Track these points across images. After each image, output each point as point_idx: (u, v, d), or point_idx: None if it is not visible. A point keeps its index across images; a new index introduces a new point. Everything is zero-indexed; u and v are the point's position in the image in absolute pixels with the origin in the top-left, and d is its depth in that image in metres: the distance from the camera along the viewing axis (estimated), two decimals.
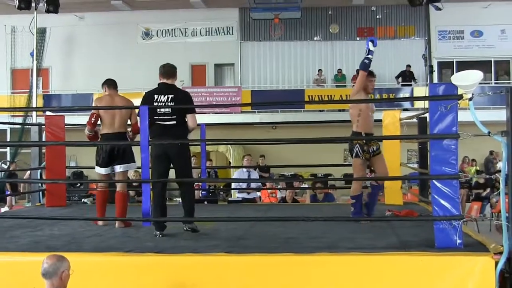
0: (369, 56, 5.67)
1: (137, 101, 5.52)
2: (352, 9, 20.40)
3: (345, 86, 19.82)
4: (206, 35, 20.72)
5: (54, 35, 19.87)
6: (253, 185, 9.32)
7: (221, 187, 12.94)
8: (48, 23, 18.38)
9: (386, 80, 19.33)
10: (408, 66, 19.16)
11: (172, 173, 5.44)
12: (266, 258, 4.22)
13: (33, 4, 14.84)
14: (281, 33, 20.53)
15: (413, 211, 6.26)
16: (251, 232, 5.25)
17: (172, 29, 20.76)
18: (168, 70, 5.38)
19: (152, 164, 5.23)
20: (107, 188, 6.23)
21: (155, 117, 5.17)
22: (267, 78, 20.72)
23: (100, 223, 5.86)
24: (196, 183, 8.70)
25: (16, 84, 20.83)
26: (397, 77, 19.29)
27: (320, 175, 16.74)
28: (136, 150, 5.41)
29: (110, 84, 6.03)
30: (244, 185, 9.24)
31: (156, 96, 5.23)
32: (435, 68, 17.54)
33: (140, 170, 5.20)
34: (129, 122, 5.99)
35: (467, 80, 4.19)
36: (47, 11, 15.15)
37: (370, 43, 5.67)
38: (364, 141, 5.79)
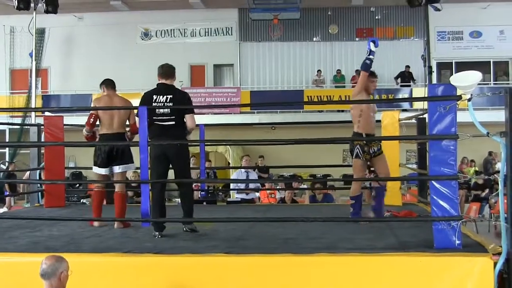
0: (370, 56, 5.63)
1: (136, 102, 5.52)
2: (351, 10, 20.41)
3: (344, 86, 19.84)
4: (205, 35, 20.72)
5: (53, 35, 19.85)
6: (251, 185, 9.31)
7: (220, 187, 12.93)
8: (47, 23, 18.37)
9: (385, 80, 19.33)
10: (407, 66, 19.17)
11: (171, 174, 5.44)
12: (265, 259, 4.22)
13: (32, 5, 14.82)
14: (280, 34, 20.54)
15: (412, 211, 6.27)
16: (250, 233, 5.25)
17: (171, 30, 20.76)
18: (167, 71, 5.37)
19: (151, 165, 5.23)
20: (104, 188, 6.22)
21: (154, 118, 5.16)
22: (266, 78, 20.73)
23: (96, 224, 5.83)
24: (195, 184, 8.72)
25: (15, 85, 20.83)
26: (396, 78, 19.30)
27: (319, 175, 16.74)
28: (135, 150, 5.42)
29: (108, 84, 6.02)
30: (242, 186, 9.24)
31: (155, 97, 5.23)
32: (434, 68, 17.58)
33: (139, 170, 5.20)
34: (127, 122, 5.99)
35: (466, 81, 4.19)
36: (46, 12, 15.13)
37: (371, 44, 5.63)
38: (365, 142, 5.76)
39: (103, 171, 5.91)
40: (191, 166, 5.92)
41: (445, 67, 20.16)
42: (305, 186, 11.44)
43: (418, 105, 16.47)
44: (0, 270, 4.30)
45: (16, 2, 14.56)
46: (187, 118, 5.27)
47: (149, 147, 5.10)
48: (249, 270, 4.14)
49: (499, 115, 4.28)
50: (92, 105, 6.06)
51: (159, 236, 5.06)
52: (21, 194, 15.27)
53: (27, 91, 19.13)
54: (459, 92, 4.23)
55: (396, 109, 11.12)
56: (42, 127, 7.65)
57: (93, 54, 20.23)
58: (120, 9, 20.09)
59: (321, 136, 6.25)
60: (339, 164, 15.42)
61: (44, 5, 14.92)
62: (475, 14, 19.47)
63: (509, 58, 20.13)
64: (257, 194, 10.10)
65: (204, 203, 9.38)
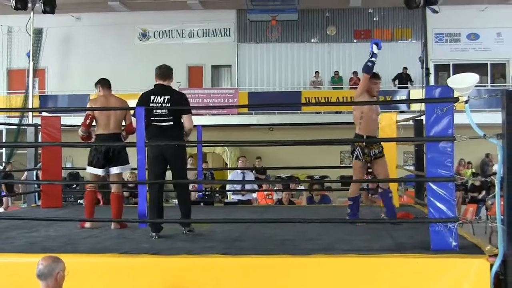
0: (373, 59, 5.54)
1: (134, 102, 5.51)
2: (349, 11, 20.43)
3: (342, 88, 19.88)
4: (203, 36, 20.73)
5: (51, 35, 19.82)
6: (247, 186, 9.31)
7: (217, 189, 12.92)
8: (44, 23, 18.35)
9: (383, 82, 19.18)
10: (405, 68, 19.20)
11: (168, 175, 5.44)
12: (262, 260, 4.22)
13: (29, 5, 14.81)
14: (278, 35, 20.56)
15: (409, 213, 6.27)
16: (247, 234, 5.25)
17: (169, 30, 20.76)
18: (165, 72, 5.38)
19: (148, 165, 5.23)
20: (96, 189, 6.20)
21: (151, 118, 5.16)
22: (264, 79, 20.74)
23: (87, 225, 5.77)
24: (192, 185, 8.71)
25: (12, 85, 20.80)
26: (393, 80, 19.32)
27: (316, 177, 16.76)
28: (132, 151, 5.41)
29: (104, 84, 5.99)
30: (238, 187, 9.22)
31: (152, 97, 5.23)
32: (432, 70, 17.60)
33: (136, 171, 5.19)
34: (123, 123, 5.97)
35: (463, 83, 4.21)
36: (44, 12, 15.10)
37: (374, 46, 5.54)
38: (365, 144, 5.73)
39: (98, 171, 5.89)
40: (188, 166, 5.92)
41: (443, 69, 20.22)
42: (302, 187, 11.44)
43: (415, 107, 16.50)
44: None
45: (14, 2, 14.55)
46: (185, 119, 5.27)
47: (146, 148, 5.09)
48: (246, 271, 4.14)
49: (496, 117, 4.30)
50: (88, 106, 6.03)
51: (156, 237, 5.06)
52: (18, 195, 15.24)
53: (24, 91, 19.08)
54: (456, 94, 4.24)
55: (394, 111, 11.12)
56: (39, 127, 7.64)
57: (91, 54, 20.22)
58: (118, 10, 20.07)
59: (319, 138, 6.22)
60: (337, 166, 15.45)
61: (42, 5, 14.90)
62: (473, 16, 19.52)
63: (506, 60, 20.19)
64: (254, 195, 10.10)
65: (201, 204, 9.38)
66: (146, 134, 5.04)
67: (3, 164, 16.50)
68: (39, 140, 7.74)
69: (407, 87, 19.08)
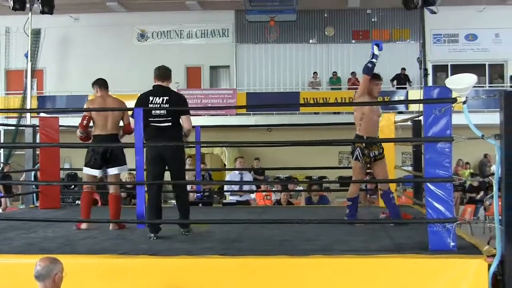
0: (373, 60, 5.47)
1: (132, 103, 5.51)
2: (348, 12, 20.45)
3: (340, 88, 19.89)
4: (201, 37, 20.74)
5: (49, 36, 19.81)
6: (245, 187, 9.31)
7: (216, 190, 12.91)
8: (42, 24, 18.33)
9: None
10: (403, 69, 19.23)
11: (167, 175, 5.44)
12: (260, 261, 4.22)
13: (27, 5, 14.79)
14: (277, 36, 20.57)
15: (407, 213, 6.27)
16: (246, 235, 5.25)
17: (167, 31, 20.76)
18: (163, 73, 5.38)
19: (147, 166, 5.23)
20: (94, 190, 6.18)
21: (150, 119, 5.16)
22: (262, 80, 20.75)
23: (83, 226, 5.73)
24: (191, 185, 8.71)
25: (10, 85, 20.78)
26: (392, 80, 19.35)
27: (315, 177, 16.77)
28: (130, 152, 5.40)
29: (102, 84, 5.98)
30: (236, 188, 9.22)
31: (151, 98, 5.23)
32: (430, 71, 17.65)
33: (134, 172, 5.19)
34: (121, 123, 5.96)
35: (461, 84, 4.21)
36: (42, 12, 15.07)
37: (375, 47, 5.47)
38: (365, 145, 5.70)
39: (96, 172, 5.88)
40: (187, 167, 5.92)
41: (441, 70, 20.25)
42: (301, 188, 11.44)
43: (413, 107, 16.48)
44: None
45: (12, 2, 14.52)
46: (183, 120, 5.27)
47: (144, 149, 5.09)
48: (244, 271, 4.14)
49: (494, 118, 4.30)
50: (85, 107, 6.01)
51: (155, 238, 5.06)
52: (16, 196, 15.22)
53: (22, 92, 19.07)
54: (454, 95, 4.25)
55: (392, 112, 11.13)
56: (37, 128, 7.63)
57: (89, 55, 20.20)
58: (116, 10, 20.06)
59: (317, 138, 6.21)
60: (335, 166, 15.45)
61: (40, 5, 14.87)
62: (471, 17, 19.55)
63: (504, 61, 20.22)
64: (252, 195, 10.09)
65: (200, 204, 9.37)
66: (145, 135, 5.04)
67: (1, 165, 16.48)
68: (37, 141, 7.73)
69: (405, 88, 19.10)
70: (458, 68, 17.88)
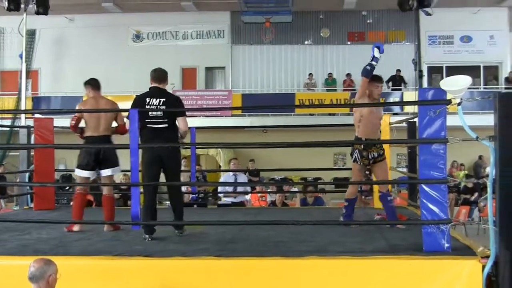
0: (373, 62, 5.42)
1: (127, 104, 5.50)
2: (343, 14, 20.48)
3: (335, 90, 19.90)
4: (197, 38, 20.72)
5: (44, 37, 19.75)
6: (239, 188, 9.30)
7: (211, 191, 12.89)
8: (37, 24, 18.27)
9: None
10: (398, 70, 19.26)
11: (162, 177, 5.43)
12: (255, 262, 4.22)
13: (22, 6, 14.74)
14: (272, 37, 20.58)
15: (402, 215, 6.28)
16: (241, 236, 5.25)
17: (163, 32, 20.74)
18: (160, 75, 5.40)
19: (143, 168, 5.23)
20: (87, 191, 6.16)
21: (146, 120, 5.17)
22: (257, 81, 20.75)
23: (75, 228, 5.69)
24: (186, 187, 8.70)
25: (4, 86, 20.69)
26: (387, 82, 19.37)
27: (310, 179, 16.77)
28: (125, 153, 5.38)
29: (94, 85, 5.95)
30: (230, 189, 9.21)
31: (148, 100, 5.24)
32: (425, 72, 17.67)
33: (129, 173, 5.17)
34: (115, 124, 5.93)
35: (455, 85, 4.22)
36: (37, 13, 15.03)
37: (375, 49, 5.41)
38: (363, 146, 5.68)
39: (88, 174, 5.86)
40: (182, 168, 5.92)
41: (436, 71, 20.30)
42: (296, 189, 11.44)
43: (409, 109, 16.57)
44: None
45: (6, 3, 14.48)
46: (180, 121, 5.29)
47: (140, 150, 5.08)
48: (239, 273, 4.14)
49: (489, 119, 4.31)
50: (77, 108, 5.99)
51: (149, 239, 5.05)
52: (10, 197, 15.15)
53: (17, 93, 18.98)
54: (449, 96, 4.26)
55: (387, 113, 11.16)
56: (32, 129, 7.60)
57: (84, 56, 20.15)
58: (112, 11, 20.02)
59: (312, 140, 6.20)
60: (330, 168, 15.47)
61: (35, 6, 14.84)
62: (466, 19, 19.63)
63: (498, 63, 20.31)
64: (247, 197, 10.09)
65: (195, 206, 9.37)
66: (141, 136, 5.04)
67: None
68: (32, 142, 7.71)
69: (400, 89, 19.14)
70: (453, 70, 17.94)
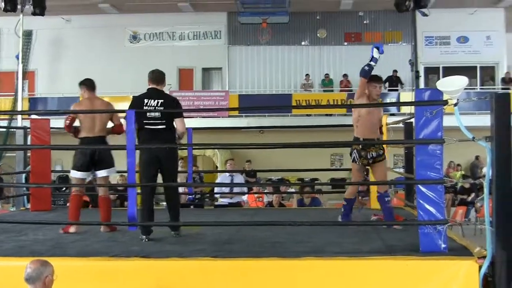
0: (371, 63, 5.42)
1: (124, 105, 5.49)
2: (340, 14, 20.50)
3: (332, 90, 19.92)
4: (194, 39, 20.72)
5: (41, 37, 19.71)
6: (236, 189, 9.29)
7: (208, 192, 12.88)
8: (34, 25, 18.21)
9: None
10: (395, 71, 19.29)
11: (159, 178, 5.43)
12: (252, 263, 4.22)
13: (19, 6, 14.71)
14: (269, 38, 20.59)
15: (398, 215, 6.29)
16: (237, 237, 5.24)
17: (159, 33, 20.72)
18: (158, 76, 5.42)
19: (141, 169, 5.22)
20: (83, 193, 6.15)
21: (144, 121, 5.18)
22: (254, 82, 20.75)
23: (72, 229, 5.66)
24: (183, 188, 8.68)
25: (1, 87, 20.60)
26: (384, 82, 19.39)
27: (307, 179, 16.78)
28: (122, 154, 5.37)
29: (89, 85, 5.93)
30: (226, 190, 9.21)
31: (146, 101, 5.25)
32: (422, 73, 17.72)
33: (126, 174, 5.17)
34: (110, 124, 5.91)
35: (452, 86, 4.23)
36: (34, 14, 15.00)
37: (375, 50, 5.41)
38: (362, 147, 5.67)
39: (83, 175, 5.85)
40: (179, 169, 5.91)
41: (433, 72, 20.33)
42: (293, 190, 11.44)
43: (405, 109, 16.58)
44: None
45: (3, 3, 14.43)
46: (177, 122, 5.30)
47: (138, 151, 5.08)
48: (236, 274, 4.14)
49: (485, 120, 4.32)
50: (72, 109, 5.97)
51: (146, 240, 5.05)
52: (7, 198, 15.11)
53: (13, 93, 18.95)
54: (445, 97, 4.27)
55: (384, 114, 11.17)
56: (29, 130, 7.59)
57: (81, 56, 20.12)
58: (109, 12, 20.00)
59: (309, 140, 6.20)
60: (327, 168, 15.47)
61: (32, 7, 14.80)
62: (462, 19, 19.68)
63: (495, 63, 20.36)
64: (244, 197, 10.07)
65: (192, 206, 9.35)
66: (139, 137, 5.04)
67: None
68: (28, 142, 7.69)
69: (397, 90, 19.17)
70: (450, 70, 17.98)
